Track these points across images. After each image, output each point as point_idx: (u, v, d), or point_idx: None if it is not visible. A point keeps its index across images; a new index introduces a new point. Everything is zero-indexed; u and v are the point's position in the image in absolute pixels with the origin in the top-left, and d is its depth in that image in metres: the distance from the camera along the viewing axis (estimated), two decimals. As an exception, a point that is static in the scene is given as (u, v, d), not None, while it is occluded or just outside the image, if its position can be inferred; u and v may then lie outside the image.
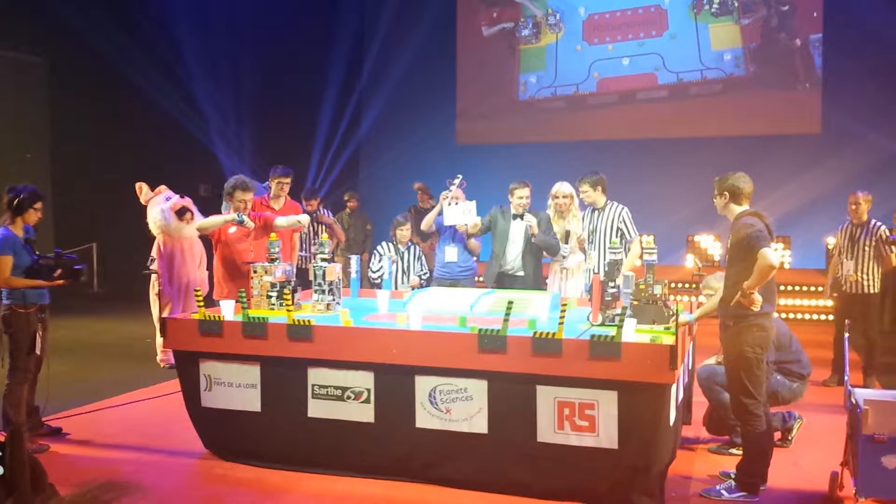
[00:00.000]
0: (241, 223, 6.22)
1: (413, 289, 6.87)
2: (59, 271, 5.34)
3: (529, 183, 7.00)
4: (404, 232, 7.41)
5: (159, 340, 7.68)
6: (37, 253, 5.41)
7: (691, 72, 13.77)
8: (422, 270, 7.47)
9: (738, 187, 4.59)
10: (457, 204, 7.04)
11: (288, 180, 7.39)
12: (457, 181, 7.15)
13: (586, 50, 14.40)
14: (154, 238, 7.89)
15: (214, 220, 6.43)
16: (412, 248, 7.50)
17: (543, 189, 7.23)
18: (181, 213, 7.72)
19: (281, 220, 6.50)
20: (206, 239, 8.12)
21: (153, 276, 7.87)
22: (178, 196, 7.85)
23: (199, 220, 7.65)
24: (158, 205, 7.75)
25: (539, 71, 14.74)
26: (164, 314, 7.46)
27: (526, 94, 14.85)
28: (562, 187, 7.02)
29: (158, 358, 7.92)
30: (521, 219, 6.92)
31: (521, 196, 6.91)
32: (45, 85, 13.61)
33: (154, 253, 7.82)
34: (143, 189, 7.91)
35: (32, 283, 5.31)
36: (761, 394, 4.50)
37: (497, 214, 7.04)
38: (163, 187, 7.94)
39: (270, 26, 13.80)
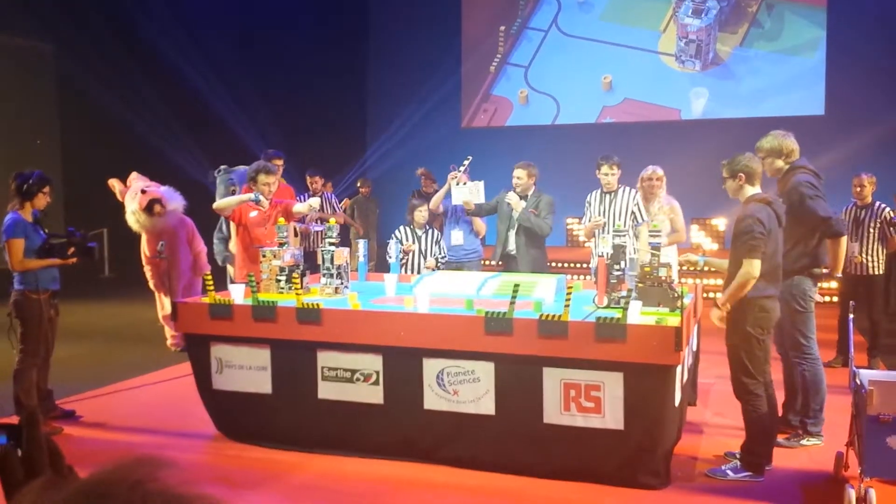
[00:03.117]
0: (256, 202, 6.26)
1: (429, 269, 6.91)
2: (72, 249, 5.39)
3: (528, 164, 7.04)
4: (422, 213, 7.19)
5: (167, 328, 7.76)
6: (46, 231, 5.45)
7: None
8: (440, 254, 7.25)
9: (752, 168, 4.62)
10: (464, 184, 7.11)
11: (280, 162, 7.37)
12: (466, 163, 7.19)
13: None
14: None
15: (230, 200, 6.49)
16: (430, 231, 7.30)
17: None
18: (149, 207, 7.52)
19: (299, 207, 6.57)
20: (207, 218, 8.07)
21: (147, 270, 7.86)
22: (143, 182, 7.64)
23: (173, 206, 7.65)
24: (131, 203, 7.55)
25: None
26: (167, 302, 7.54)
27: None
28: (656, 169, 6.82)
29: (169, 343, 7.99)
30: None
31: (516, 176, 7.01)
32: (53, 71, 13.64)
33: (163, 238, 7.78)
34: (115, 187, 7.68)
35: (47, 262, 5.36)
36: (762, 374, 4.54)
37: (503, 196, 7.10)
38: (133, 175, 7.73)
39: (276, 9, 13.78)
